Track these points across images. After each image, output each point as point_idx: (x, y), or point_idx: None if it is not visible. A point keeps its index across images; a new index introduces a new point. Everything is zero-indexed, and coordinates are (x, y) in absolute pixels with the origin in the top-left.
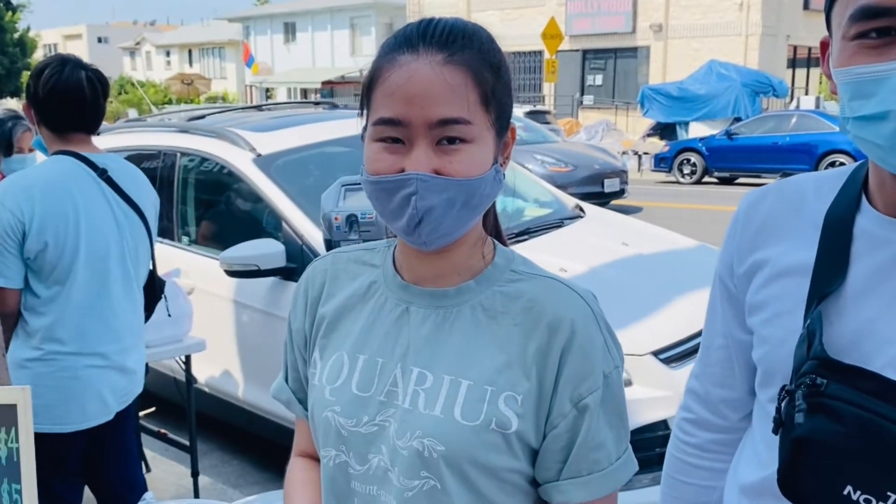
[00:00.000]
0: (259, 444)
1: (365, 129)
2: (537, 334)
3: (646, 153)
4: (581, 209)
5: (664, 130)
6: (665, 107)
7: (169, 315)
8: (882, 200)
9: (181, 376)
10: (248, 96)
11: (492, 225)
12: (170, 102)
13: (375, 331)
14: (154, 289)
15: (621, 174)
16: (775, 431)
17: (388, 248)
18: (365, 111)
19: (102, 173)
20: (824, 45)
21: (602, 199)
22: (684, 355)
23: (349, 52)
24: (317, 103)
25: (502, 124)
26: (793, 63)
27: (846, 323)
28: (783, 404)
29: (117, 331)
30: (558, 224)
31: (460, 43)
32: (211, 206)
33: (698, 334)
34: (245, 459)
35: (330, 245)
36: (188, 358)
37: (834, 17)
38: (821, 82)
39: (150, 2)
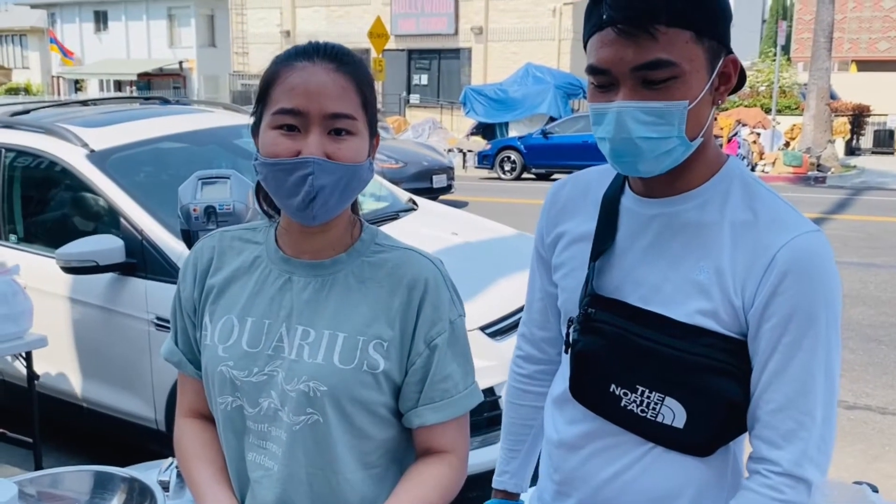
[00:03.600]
0: (102, 441)
1: (257, 123)
2: (399, 293)
3: (470, 151)
4: (414, 203)
5: (486, 129)
6: (485, 107)
7: None
8: (636, 184)
9: (10, 377)
10: (54, 88)
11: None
12: None
13: (261, 297)
14: None
15: (448, 170)
16: (566, 352)
17: (269, 228)
18: (260, 108)
19: None
20: None
21: (431, 194)
22: (507, 329)
23: (167, 44)
24: (147, 98)
25: (373, 128)
26: None
27: (614, 273)
28: (570, 330)
29: None
30: (394, 216)
31: (347, 59)
32: (41, 204)
33: (519, 310)
34: (85, 459)
35: (188, 235)
36: (29, 354)
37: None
38: None
39: None
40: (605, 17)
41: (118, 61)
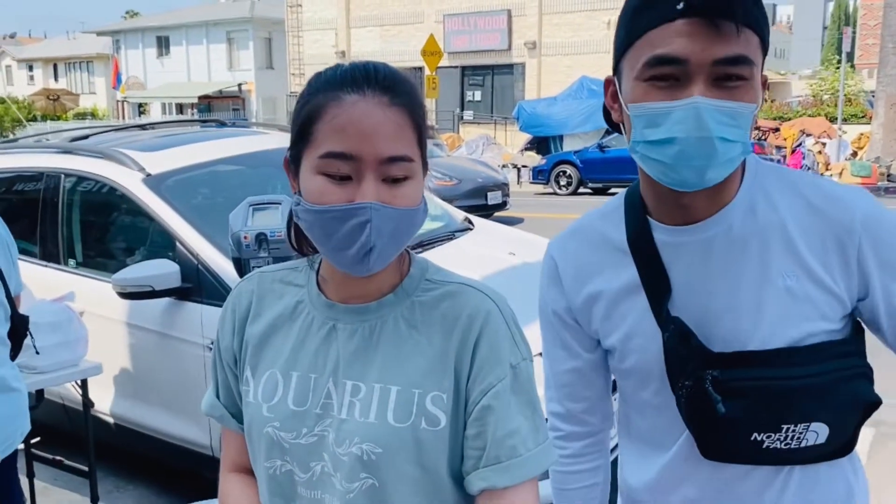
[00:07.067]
0: (156, 467)
1: (296, 158)
2: (454, 336)
3: (524, 166)
4: (470, 222)
5: (541, 144)
6: (540, 121)
7: (37, 353)
8: (665, 214)
9: (70, 402)
10: (119, 112)
11: None
12: (34, 119)
13: (305, 349)
14: (16, 326)
15: (503, 187)
16: (686, 419)
17: (310, 268)
18: (302, 144)
19: None
20: (608, 83)
21: (486, 210)
22: None
23: (227, 67)
24: (204, 121)
25: (426, 160)
26: None
27: (689, 316)
28: (685, 392)
29: None
30: (450, 237)
31: (400, 87)
32: (99, 228)
33: None
34: (141, 484)
35: (239, 263)
36: (84, 382)
37: (626, 61)
38: None
39: (7, 14)
40: (681, 6)
41: (179, 85)
